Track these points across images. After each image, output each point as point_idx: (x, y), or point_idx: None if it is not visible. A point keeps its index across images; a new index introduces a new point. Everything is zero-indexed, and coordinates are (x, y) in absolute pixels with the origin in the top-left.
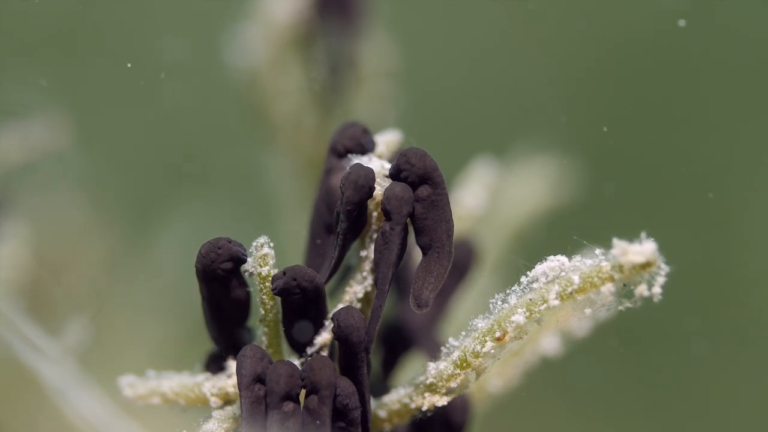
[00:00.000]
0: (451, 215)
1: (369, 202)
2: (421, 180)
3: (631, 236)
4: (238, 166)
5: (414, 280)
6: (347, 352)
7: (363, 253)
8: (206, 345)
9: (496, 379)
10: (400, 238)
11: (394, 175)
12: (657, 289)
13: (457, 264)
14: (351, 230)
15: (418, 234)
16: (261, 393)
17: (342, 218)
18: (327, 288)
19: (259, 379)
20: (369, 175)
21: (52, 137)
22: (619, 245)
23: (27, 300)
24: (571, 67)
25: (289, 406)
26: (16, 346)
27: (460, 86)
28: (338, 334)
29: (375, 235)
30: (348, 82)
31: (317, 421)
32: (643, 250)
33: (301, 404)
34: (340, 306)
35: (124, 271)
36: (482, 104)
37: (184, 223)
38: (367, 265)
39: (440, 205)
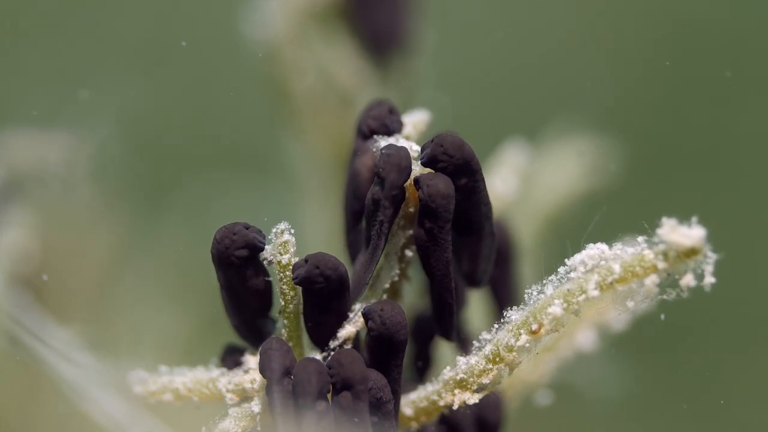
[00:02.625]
0: (488, 198)
1: None
2: (458, 170)
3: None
4: (257, 147)
5: (457, 261)
6: (387, 349)
7: (390, 242)
8: (222, 338)
9: (530, 374)
10: (449, 235)
11: (428, 163)
12: (709, 279)
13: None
14: (394, 217)
15: (454, 216)
16: (290, 387)
17: (386, 204)
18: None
19: (287, 373)
20: (408, 155)
21: (68, 155)
22: (668, 223)
23: (33, 291)
24: (612, 43)
25: (322, 405)
26: (25, 339)
27: (490, 64)
28: (381, 332)
29: (402, 222)
30: (386, 56)
31: (355, 418)
32: (690, 234)
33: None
34: (368, 300)
35: (136, 259)
36: (514, 83)
37: (200, 208)
38: (394, 255)
39: (478, 190)
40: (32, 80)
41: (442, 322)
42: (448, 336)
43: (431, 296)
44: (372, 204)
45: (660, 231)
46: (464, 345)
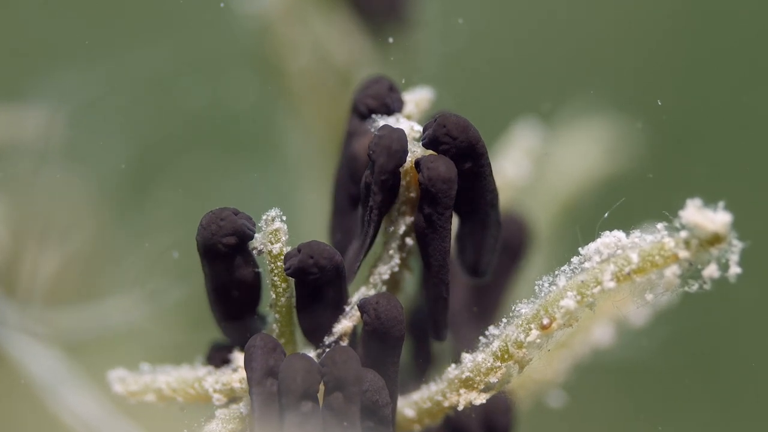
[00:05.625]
0: (494, 185)
1: None
2: (462, 153)
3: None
4: (247, 128)
5: (460, 250)
6: (382, 346)
7: (389, 229)
8: (209, 334)
9: (542, 373)
10: (449, 222)
11: (430, 144)
12: (735, 269)
13: (506, 244)
14: (385, 203)
15: (457, 203)
16: (274, 389)
17: (375, 190)
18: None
19: (272, 373)
20: (402, 137)
21: (45, 125)
22: (692, 204)
23: (3, 283)
24: (634, 14)
25: (308, 405)
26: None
27: (501, 38)
28: (376, 327)
29: (403, 208)
30: (386, 31)
31: (344, 422)
32: (715, 218)
33: (320, 402)
34: (363, 289)
35: (118, 249)
36: (526, 58)
37: (188, 193)
38: (394, 243)
39: (483, 176)
40: (10, 53)
41: (434, 317)
42: (438, 333)
43: (426, 288)
44: (364, 189)
45: (683, 212)
46: (457, 345)
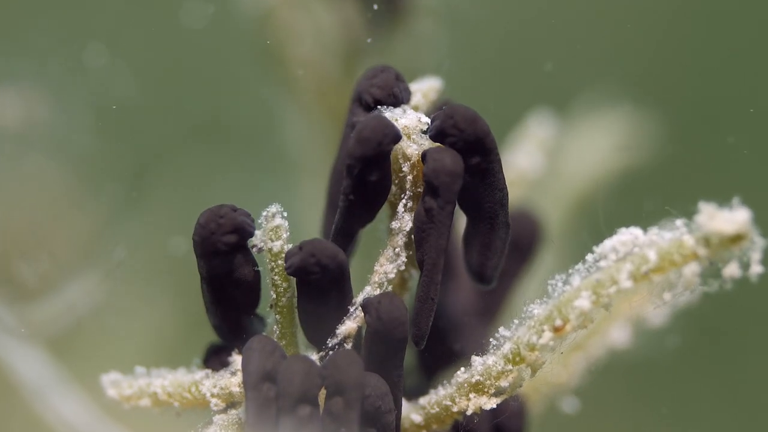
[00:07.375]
0: (504, 183)
1: (404, 162)
2: (470, 147)
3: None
4: (247, 119)
5: (466, 252)
6: (384, 348)
7: (395, 225)
8: (206, 336)
9: (556, 376)
10: (450, 219)
11: (436, 137)
12: (757, 267)
13: (516, 242)
14: (357, 192)
15: (463, 201)
16: (271, 393)
17: (344, 174)
18: None
19: (269, 377)
20: (380, 128)
21: (28, 106)
22: (706, 209)
23: None
24: (650, 5)
25: (306, 409)
26: None
27: (514, 24)
28: (377, 328)
29: (410, 203)
30: (385, 17)
31: (342, 428)
32: (733, 218)
33: (320, 407)
34: (369, 289)
35: (112, 246)
36: (540, 46)
37: (183, 187)
38: (400, 240)
39: (492, 173)
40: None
41: (417, 320)
42: (417, 338)
43: (417, 288)
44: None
45: (698, 218)
46: (467, 347)
